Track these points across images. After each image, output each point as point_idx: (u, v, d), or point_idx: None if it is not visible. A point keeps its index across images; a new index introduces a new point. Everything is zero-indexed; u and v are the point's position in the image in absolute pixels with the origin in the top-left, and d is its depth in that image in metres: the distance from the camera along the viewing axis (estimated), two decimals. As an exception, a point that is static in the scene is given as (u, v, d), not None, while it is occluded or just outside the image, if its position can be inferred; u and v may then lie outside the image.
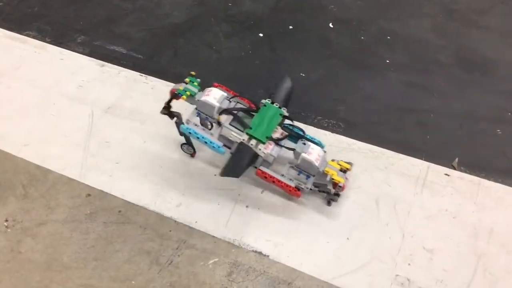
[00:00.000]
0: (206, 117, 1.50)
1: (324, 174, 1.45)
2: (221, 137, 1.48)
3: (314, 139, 1.53)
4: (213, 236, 1.45)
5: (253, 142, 1.43)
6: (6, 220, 1.49)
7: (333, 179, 1.43)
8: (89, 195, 1.55)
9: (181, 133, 1.53)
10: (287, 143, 1.49)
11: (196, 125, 1.50)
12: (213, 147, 1.47)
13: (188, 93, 1.48)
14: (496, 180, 1.60)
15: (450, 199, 1.54)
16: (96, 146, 1.69)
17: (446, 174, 1.61)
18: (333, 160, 1.49)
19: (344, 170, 1.47)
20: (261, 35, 2.17)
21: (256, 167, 1.47)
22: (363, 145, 1.70)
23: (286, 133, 1.50)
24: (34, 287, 1.34)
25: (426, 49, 2.10)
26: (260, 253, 1.41)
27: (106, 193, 1.55)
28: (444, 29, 2.20)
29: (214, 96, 1.47)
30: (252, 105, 1.54)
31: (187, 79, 1.52)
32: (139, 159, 1.65)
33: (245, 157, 1.43)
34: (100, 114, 1.80)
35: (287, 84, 1.59)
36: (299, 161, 1.45)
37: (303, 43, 2.13)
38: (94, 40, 2.12)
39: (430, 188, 1.57)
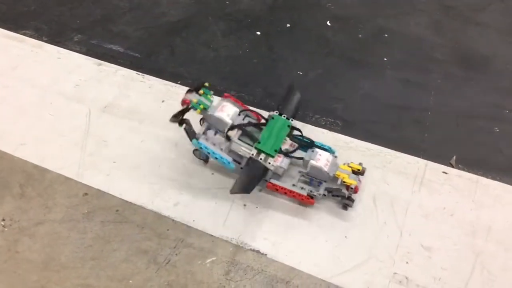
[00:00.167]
0: (217, 130, 1.49)
1: (335, 178, 1.45)
2: (231, 152, 1.49)
3: (324, 145, 1.53)
4: (211, 235, 1.45)
5: (262, 156, 1.44)
6: (3, 220, 1.48)
7: (344, 182, 1.43)
8: (86, 194, 1.55)
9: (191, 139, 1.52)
10: (297, 153, 1.49)
11: (206, 139, 1.50)
12: (223, 162, 1.48)
13: (201, 106, 1.45)
14: (494, 178, 1.60)
15: (448, 197, 1.54)
16: (93, 145, 1.68)
17: (444, 172, 1.61)
18: (344, 164, 1.49)
19: (356, 172, 1.47)
20: (258, 33, 2.17)
21: (266, 180, 1.48)
22: (360, 143, 1.70)
23: (296, 145, 1.50)
24: (31, 287, 1.34)
25: (424, 47, 2.10)
26: (258, 251, 1.41)
27: (104, 192, 1.55)
28: (441, 27, 2.19)
29: (228, 112, 1.46)
30: (259, 117, 1.54)
31: (201, 91, 1.48)
32: (137, 158, 1.64)
33: (255, 173, 1.44)
34: (97, 113, 1.79)
35: (295, 95, 1.60)
36: (308, 169, 1.45)
37: (301, 41, 2.13)
38: (91, 38, 2.11)
39: (428, 186, 1.57)
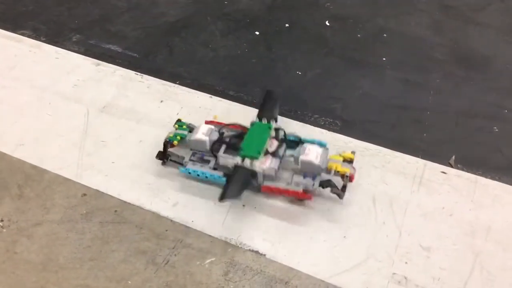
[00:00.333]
0: (202, 154, 1.55)
1: (328, 170, 1.45)
2: (220, 167, 1.52)
3: (314, 140, 1.53)
4: (210, 235, 1.44)
5: (247, 161, 1.45)
6: (2, 220, 1.48)
7: (338, 171, 1.43)
8: (85, 195, 1.54)
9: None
10: (288, 153, 1.51)
11: (192, 161, 1.55)
12: (214, 178, 1.50)
13: (178, 137, 1.55)
14: (493, 178, 1.60)
15: (447, 197, 1.54)
16: (92, 146, 1.68)
17: (443, 172, 1.61)
18: (336, 154, 1.49)
19: (348, 161, 1.47)
20: (257, 33, 2.16)
21: (260, 185, 1.49)
22: (359, 143, 1.70)
23: (282, 143, 1.52)
24: (30, 288, 1.34)
25: (423, 46, 2.10)
26: (257, 252, 1.41)
27: (102, 192, 1.55)
28: (440, 26, 2.19)
29: (202, 131, 1.53)
30: (245, 130, 1.56)
31: (175, 125, 1.60)
32: (135, 158, 1.64)
33: (239, 177, 1.45)
34: (95, 113, 1.79)
35: (268, 96, 1.63)
36: (299, 165, 1.45)
37: (300, 41, 2.13)
38: (89, 38, 2.11)
39: (426, 186, 1.57)
